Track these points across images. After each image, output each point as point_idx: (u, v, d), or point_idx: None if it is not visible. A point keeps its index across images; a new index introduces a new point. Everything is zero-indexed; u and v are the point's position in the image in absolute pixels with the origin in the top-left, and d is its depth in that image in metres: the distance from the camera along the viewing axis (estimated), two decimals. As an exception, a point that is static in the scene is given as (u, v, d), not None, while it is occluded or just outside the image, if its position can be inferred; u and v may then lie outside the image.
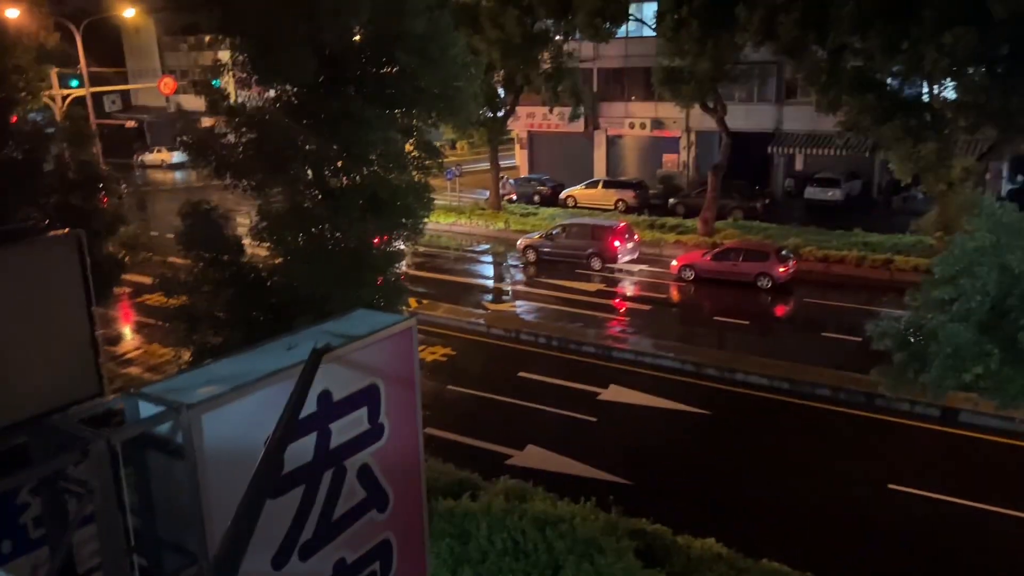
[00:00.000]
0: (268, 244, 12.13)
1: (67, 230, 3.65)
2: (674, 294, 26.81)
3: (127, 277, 19.25)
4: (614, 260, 28.94)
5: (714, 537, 11.51)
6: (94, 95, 35.50)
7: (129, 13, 41.64)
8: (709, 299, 26.15)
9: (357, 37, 12.14)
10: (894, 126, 24.32)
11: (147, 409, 2.93)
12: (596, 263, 28.95)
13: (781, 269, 25.97)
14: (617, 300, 26.15)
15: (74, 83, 34.90)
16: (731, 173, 32.84)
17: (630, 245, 29.45)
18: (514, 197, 40.28)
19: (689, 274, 27.19)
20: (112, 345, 22.15)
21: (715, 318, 24.68)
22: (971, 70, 23.50)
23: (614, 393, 18.63)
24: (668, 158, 43.22)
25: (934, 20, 22.18)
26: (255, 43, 11.33)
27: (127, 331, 24.02)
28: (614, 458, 15.49)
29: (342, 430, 3.51)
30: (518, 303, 26.04)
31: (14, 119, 15.65)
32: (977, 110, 23.35)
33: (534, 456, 15.67)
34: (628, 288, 27.44)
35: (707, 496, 14.40)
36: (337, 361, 3.41)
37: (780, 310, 25.54)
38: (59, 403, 3.49)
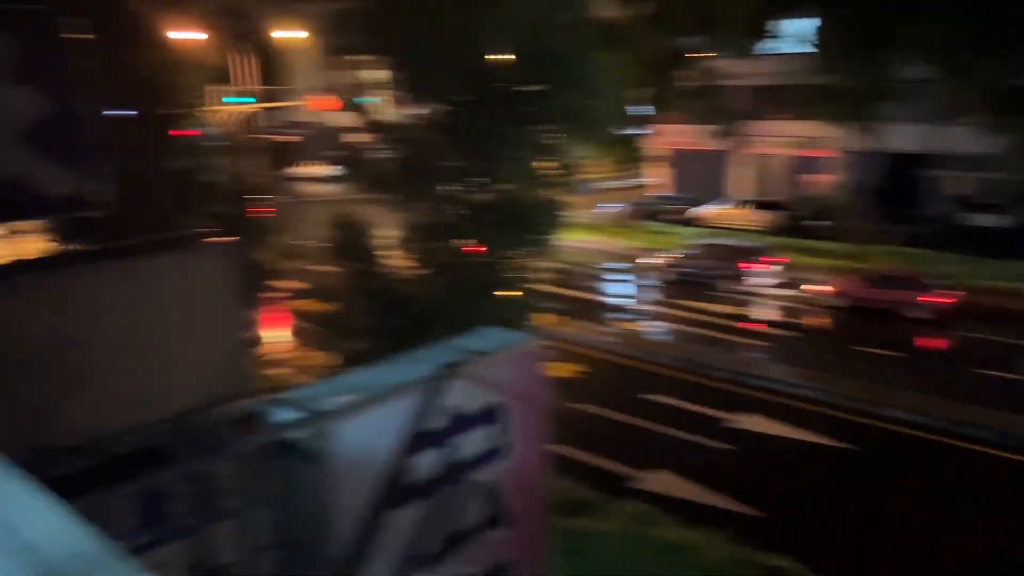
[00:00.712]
0: (411, 256, 12.58)
1: (226, 238, 3.92)
2: (818, 320, 25.61)
3: (281, 282, 20.43)
4: (752, 283, 28.03)
5: (852, 581, 10.89)
6: (259, 111, 38.00)
7: (296, 34, 44.36)
8: (857, 328, 24.79)
9: (503, 57, 12.43)
10: (1073, 150, 22.39)
11: (287, 414, 3.09)
12: (733, 285, 28.14)
13: (939, 299, 24.31)
14: (755, 324, 25.27)
15: (242, 100, 37.46)
16: (886, 196, 31.13)
17: (770, 268, 28.44)
18: (639, 216, 39.77)
19: (836, 300, 25.93)
20: (264, 346, 23.46)
21: (864, 348, 23.33)
22: None
23: (749, 421, 17.99)
24: (816, 179, 41.47)
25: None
26: (408, 64, 11.83)
27: (279, 334, 25.36)
28: (746, 488, 14.93)
29: (466, 446, 3.56)
30: (651, 323, 25.66)
31: (185, 132, 16.97)
32: None
33: (660, 480, 15.34)
34: (767, 312, 26.45)
35: (847, 537, 13.62)
36: (465, 377, 3.48)
37: (938, 343, 23.86)
38: (211, 401, 3.74)
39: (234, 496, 2.67)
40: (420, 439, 3.16)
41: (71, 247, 15.23)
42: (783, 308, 26.73)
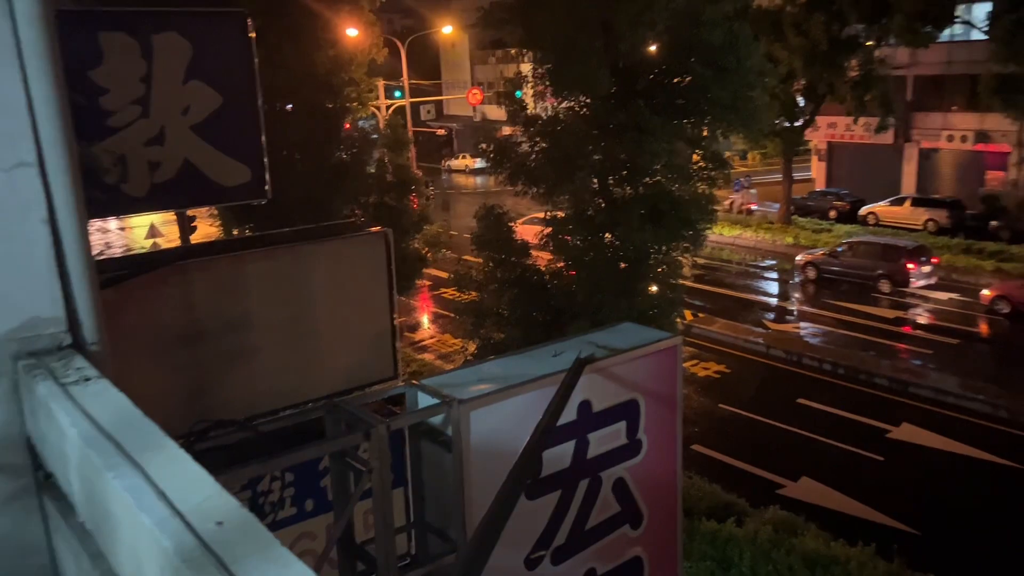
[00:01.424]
0: (551, 248, 12.66)
1: (378, 228, 4.08)
2: (984, 328, 23.69)
3: (428, 271, 21.09)
4: (906, 284, 26.14)
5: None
6: (412, 104, 39.31)
7: (447, 30, 45.51)
8: (1025, 336, 22.74)
9: (651, 48, 12.24)
10: None
11: (424, 400, 3.18)
12: (885, 286, 26.36)
13: None
14: (915, 329, 23.66)
15: (397, 94, 38.85)
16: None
17: (927, 268, 26.35)
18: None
19: (1004, 306, 23.83)
20: (410, 332, 24.31)
21: (1035, 359, 21.43)
22: None
23: (907, 432, 16.91)
24: (993, 175, 38.26)
25: None
26: (554, 56, 11.87)
27: (424, 320, 26.22)
28: (901, 503, 14.05)
29: (599, 441, 3.54)
30: (801, 324, 24.57)
31: (347, 126, 17.80)
32: None
33: (808, 489, 14.69)
34: (928, 317, 24.70)
35: (1011, 563, 12.56)
36: (599, 372, 3.45)
37: None
38: (359, 383, 3.91)
39: (374, 476, 2.78)
40: (553, 432, 3.18)
41: (236, 233, 16.33)
42: (940, 311, 24.91)
